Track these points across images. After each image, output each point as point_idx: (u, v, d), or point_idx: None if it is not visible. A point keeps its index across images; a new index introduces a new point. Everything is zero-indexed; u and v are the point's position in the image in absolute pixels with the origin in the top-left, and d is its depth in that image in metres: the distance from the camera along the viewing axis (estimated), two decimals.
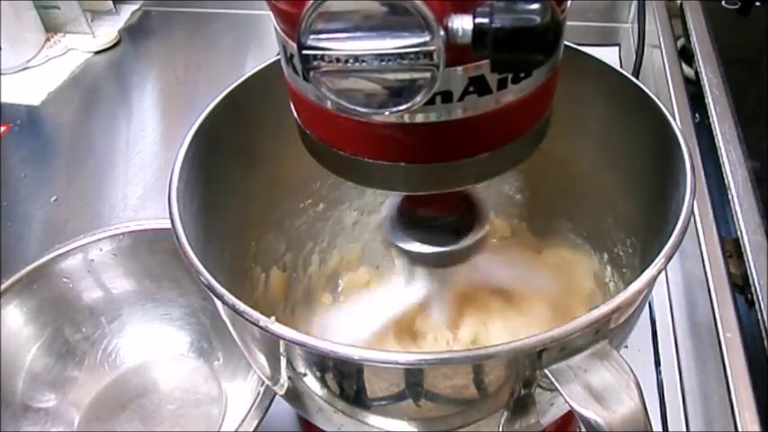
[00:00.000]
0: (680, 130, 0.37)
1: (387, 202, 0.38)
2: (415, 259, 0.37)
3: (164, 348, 0.56)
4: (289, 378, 0.35)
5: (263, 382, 0.44)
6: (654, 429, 0.29)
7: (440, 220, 0.36)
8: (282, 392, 0.38)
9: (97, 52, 0.94)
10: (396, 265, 0.55)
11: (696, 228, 0.51)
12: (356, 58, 0.23)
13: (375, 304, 0.49)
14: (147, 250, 0.54)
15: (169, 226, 0.35)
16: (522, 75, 0.26)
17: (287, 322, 0.29)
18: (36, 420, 0.51)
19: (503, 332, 0.47)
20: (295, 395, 0.37)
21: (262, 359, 0.36)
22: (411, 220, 0.36)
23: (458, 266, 0.37)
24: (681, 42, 0.69)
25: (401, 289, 0.43)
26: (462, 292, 0.49)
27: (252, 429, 0.44)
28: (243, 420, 0.44)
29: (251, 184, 0.45)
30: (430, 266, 0.38)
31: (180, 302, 0.55)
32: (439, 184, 0.30)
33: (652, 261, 0.31)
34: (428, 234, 0.36)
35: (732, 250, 0.48)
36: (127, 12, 1.02)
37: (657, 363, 0.54)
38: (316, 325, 0.52)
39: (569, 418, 0.44)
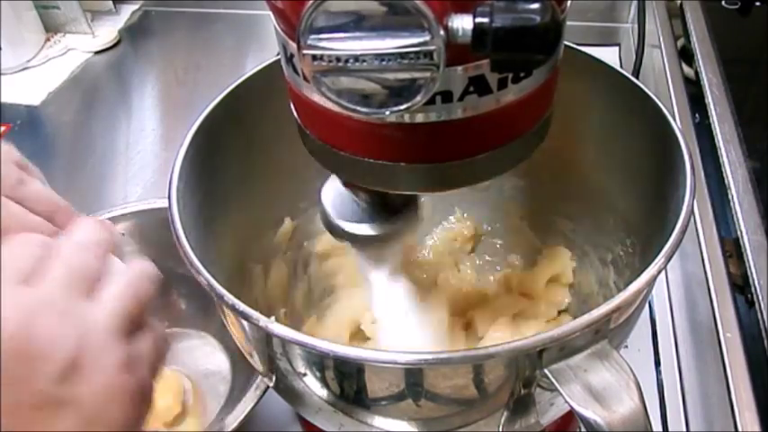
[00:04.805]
0: (680, 130, 0.37)
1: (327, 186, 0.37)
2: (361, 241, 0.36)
3: (175, 323, 0.57)
4: (288, 377, 0.35)
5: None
6: (654, 429, 0.29)
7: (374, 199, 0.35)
8: (282, 392, 0.38)
9: (97, 52, 0.94)
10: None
11: (696, 228, 0.51)
12: (356, 58, 0.23)
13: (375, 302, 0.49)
14: (155, 228, 0.54)
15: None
16: (522, 74, 0.26)
17: (286, 322, 0.29)
18: None
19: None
20: (295, 394, 0.37)
21: (261, 358, 0.36)
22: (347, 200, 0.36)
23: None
24: (681, 42, 0.69)
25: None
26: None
27: (253, 404, 0.44)
28: (244, 396, 0.45)
29: (251, 184, 0.45)
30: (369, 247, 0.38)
31: (189, 279, 0.56)
32: (439, 184, 0.30)
33: (652, 261, 0.31)
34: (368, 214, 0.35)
35: (732, 250, 0.48)
36: (127, 12, 1.02)
37: (657, 363, 0.54)
38: (315, 324, 0.52)
39: (569, 418, 0.44)
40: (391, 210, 0.35)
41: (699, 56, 0.62)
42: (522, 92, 0.27)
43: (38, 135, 0.83)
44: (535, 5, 0.21)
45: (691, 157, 0.35)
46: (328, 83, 0.24)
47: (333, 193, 0.36)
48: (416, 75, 0.23)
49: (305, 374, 0.34)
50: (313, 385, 0.34)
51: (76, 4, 0.93)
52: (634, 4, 0.85)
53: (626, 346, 0.53)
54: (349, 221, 0.35)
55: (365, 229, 0.35)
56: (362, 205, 0.35)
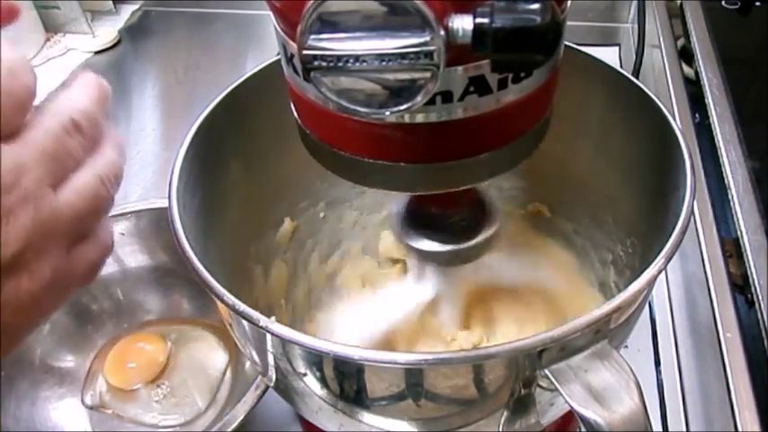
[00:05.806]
0: (680, 130, 0.37)
1: (394, 199, 0.38)
2: (425, 257, 0.37)
3: (175, 322, 0.58)
4: (288, 377, 0.35)
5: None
6: (654, 429, 0.29)
7: (450, 218, 0.36)
8: (282, 392, 0.38)
9: (97, 52, 0.94)
10: (396, 263, 0.55)
11: (696, 228, 0.51)
12: (356, 58, 0.23)
13: (376, 303, 0.49)
14: (155, 228, 0.55)
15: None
16: (522, 74, 0.26)
17: (287, 322, 0.29)
18: (53, 384, 0.53)
19: (512, 331, 0.47)
20: (295, 394, 0.37)
21: (261, 358, 0.36)
22: (421, 217, 0.37)
23: (466, 265, 0.37)
24: (681, 42, 0.69)
25: (409, 286, 0.43)
26: (471, 291, 0.49)
27: (253, 404, 0.45)
28: (244, 396, 0.45)
29: (251, 184, 0.45)
30: (440, 265, 0.39)
31: (190, 278, 0.56)
32: (439, 184, 0.30)
33: (652, 261, 0.31)
34: (439, 232, 0.36)
35: (732, 250, 0.48)
36: (127, 12, 1.02)
37: (657, 363, 0.54)
38: (316, 325, 0.52)
39: (569, 418, 0.44)
40: (467, 228, 0.36)
41: (699, 56, 0.62)
42: (523, 92, 0.27)
43: None
44: (535, 6, 0.21)
45: (691, 157, 0.35)
46: (328, 83, 0.24)
47: (401, 206, 0.38)
48: (416, 75, 0.23)
49: (305, 374, 0.34)
50: (313, 385, 0.34)
51: (76, 4, 0.93)
52: (634, 4, 0.85)
53: (626, 346, 0.53)
54: (420, 237, 0.36)
55: (435, 246, 0.36)
56: (435, 221, 0.36)
